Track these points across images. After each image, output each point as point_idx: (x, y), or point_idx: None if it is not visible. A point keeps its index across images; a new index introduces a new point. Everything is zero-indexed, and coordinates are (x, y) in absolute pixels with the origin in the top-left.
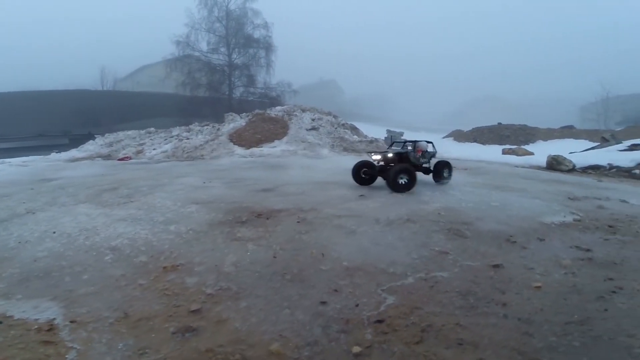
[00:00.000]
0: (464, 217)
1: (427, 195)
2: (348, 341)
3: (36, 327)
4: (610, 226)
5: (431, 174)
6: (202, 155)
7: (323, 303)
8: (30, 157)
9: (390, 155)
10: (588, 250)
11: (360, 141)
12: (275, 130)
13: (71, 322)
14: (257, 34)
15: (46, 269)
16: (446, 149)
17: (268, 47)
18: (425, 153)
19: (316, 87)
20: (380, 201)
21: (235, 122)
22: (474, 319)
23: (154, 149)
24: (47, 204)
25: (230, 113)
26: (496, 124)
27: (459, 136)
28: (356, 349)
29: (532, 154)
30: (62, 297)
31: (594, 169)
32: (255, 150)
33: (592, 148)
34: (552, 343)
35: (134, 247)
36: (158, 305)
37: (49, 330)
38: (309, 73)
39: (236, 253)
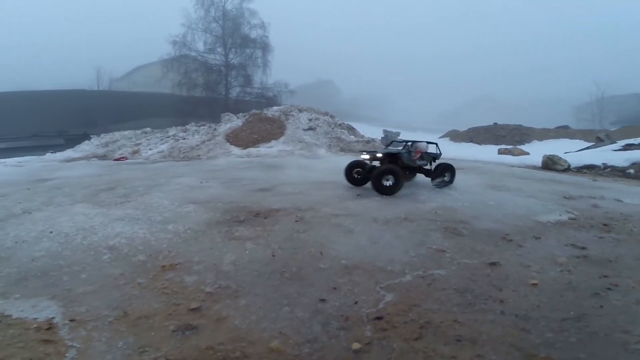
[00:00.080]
0: (460, 216)
1: (423, 195)
2: (348, 338)
3: (35, 326)
4: (604, 224)
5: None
6: (198, 156)
7: (322, 301)
8: (26, 158)
9: (379, 154)
10: (583, 248)
11: (357, 141)
12: (272, 130)
13: (70, 320)
14: (253, 34)
15: (44, 268)
16: (442, 149)
17: (265, 47)
18: (425, 154)
19: (313, 87)
20: (377, 200)
21: (232, 122)
22: (472, 315)
23: (150, 149)
24: (44, 204)
25: (227, 113)
26: (492, 124)
27: (455, 136)
28: (356, 346)
29: (527, 153)
30: (61, 296)
31: (588, 169)
32: (252, 150)
33: (587, 148)
34: (549, 339)
35: (132, 246)
36: (157, 303)
37: (48, 329)
38: (306, 73)
39: (235, 252)
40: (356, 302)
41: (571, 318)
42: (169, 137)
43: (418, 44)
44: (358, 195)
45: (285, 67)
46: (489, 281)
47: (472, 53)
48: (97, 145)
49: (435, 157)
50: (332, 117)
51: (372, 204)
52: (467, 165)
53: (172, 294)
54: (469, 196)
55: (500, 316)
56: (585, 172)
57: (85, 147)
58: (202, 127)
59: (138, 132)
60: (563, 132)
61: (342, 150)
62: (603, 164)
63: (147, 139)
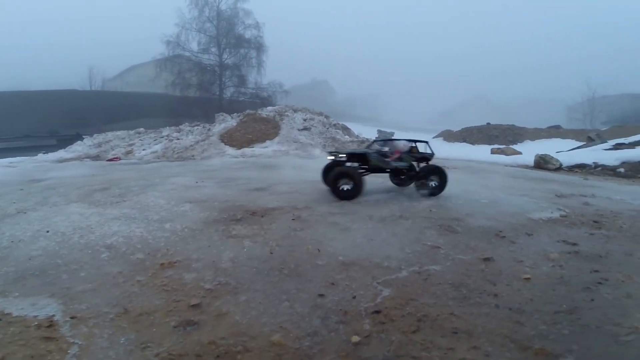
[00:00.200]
0: (454, 214)
1: (417, 193)
2: (347, 331)
3: (36, 323)
4: (595, 221)
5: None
6: (192, 156)
7: (321, 296)
8: (17, 158)
9: (341, 155)
10: (574, 244)
11: (352, 141)
12: (267, 130)
13: (71, 318)
14: (248, 34)
15: (42, 267)
16: (436, 149)
17: (259, 48)
18: (405, 155)
19: (308, 88)
20: (372, 199)
21: (226, 122)
22: (467, 309)
23: (143, 150)
24: (38, 203)
25: (221, 113)
26: (485, 124)
27: (448, 136)
28: (355, 339)
29: (520, 153)
30: (60, 294)
31: (580, 168)
32: (246, 150)
33: (579, 147)
34: (543, 331)
35: (129, 244)
36: (157, 300)
37: (49, 326)
38: (300, 73)
39: (233, 250)
40: (354, 297)
41: (563, 311)
42: (162, 137)
43: (412, 44)
44: None
45: (279, 67)
46: (483, 276)
47: (466, 54)
48: (89, 145)
49: (425, 157)
50: (326, 117)
51: (367, 203)
52: (460, 165)
53: (172, 291)
54: (463, 194)
55: (494, 309)
56: (576, 171)
57: (78, 148)
58: (196, 128)
59: (131, 132)
60: (555, 132)
61: (337, 150)
62: (594, 163)
63: (141, 140)
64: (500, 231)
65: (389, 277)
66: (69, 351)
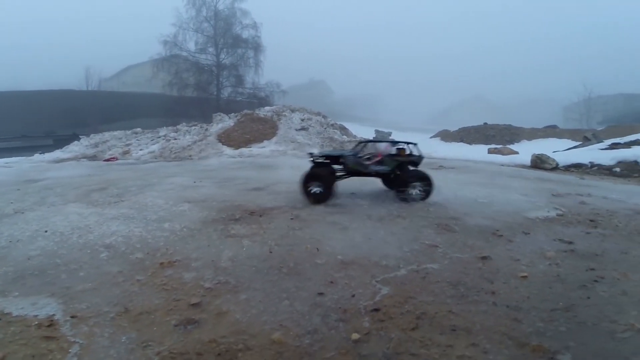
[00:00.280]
0: (452, 213)
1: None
2: (347, 329)
3: (36, 323)
4: (591, 220)
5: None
6: (190, 156)
7: (320, 294)
8: (14, 159)
9: (319, 158)
10: (571, 242)
11: (349, 141)
12: (264, 130)
13: (71, 317)
14: (245, 34)
15: (41, 267)
16: (433, 149)
17: (257, 47)
18: (388, 158)
19: (306, 88)
20: (370, 198)
21: (224, 122)
22: (465, 306)
23: (140, 150)
24: (36, 203)
25: (219, 113)
26: (482, 124)
27: (446, 136)
28: (355, 336)
29: (516, 153)
30: (60, 293)
31: (576, 167)
32: (244, 150)
33: (575, 147)
34: (540, 328)
35: (129, 244)
36: (158, 299)
37: (49, 325)
38: (298, 73)
39: (232, 249)
40: (353, 295)
41: (560, 308)
42: (159, 137)
43: (410, 44)
44: (352, 193)
45: (277, 68)
46: (480, 274)
47: (463, 54)
48: (86, 145)
49: (413, 161)
50: (324, 117)
51: (365, 202)
52: (458, 165)
53: (171, 290)
54: (460, 194)
55: (492, 307)
56: (572, 171)
57: (75, 148)
58: (193, 128)
59: (128, 132)
60: (551, 131)
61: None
62: (590, 162)
63: (138, 140)
64: (498, 230)
65: (388, 275)
66: (70, 350)
